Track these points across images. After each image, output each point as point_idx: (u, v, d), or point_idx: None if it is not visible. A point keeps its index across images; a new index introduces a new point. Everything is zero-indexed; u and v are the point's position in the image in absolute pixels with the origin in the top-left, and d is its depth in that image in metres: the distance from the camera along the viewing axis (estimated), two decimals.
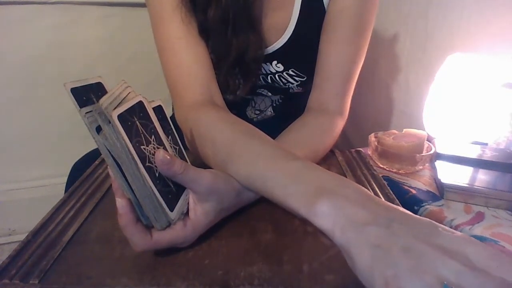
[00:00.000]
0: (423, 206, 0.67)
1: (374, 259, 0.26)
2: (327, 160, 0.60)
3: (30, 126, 1.33)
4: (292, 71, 0.63)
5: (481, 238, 0.57)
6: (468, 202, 0.67)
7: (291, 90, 0.67)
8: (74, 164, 0.68)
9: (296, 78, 0.63)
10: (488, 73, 0.88)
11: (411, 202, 0.68)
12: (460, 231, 0.59)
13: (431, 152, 0.78)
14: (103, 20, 1.30)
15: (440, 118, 0.97)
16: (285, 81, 0.64)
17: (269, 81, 0.64)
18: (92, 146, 0.71)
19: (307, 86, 0.65)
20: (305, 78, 0.64)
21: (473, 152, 0.80)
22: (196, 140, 0.48)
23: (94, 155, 0.67)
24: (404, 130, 0.85)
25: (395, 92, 1.28)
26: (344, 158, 0.60)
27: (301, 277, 0.34)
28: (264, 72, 0.64)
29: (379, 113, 1.39)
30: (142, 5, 1.34)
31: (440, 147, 0.82)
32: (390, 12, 1.27)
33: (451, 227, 0.60)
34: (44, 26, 1.24)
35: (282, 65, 0.62)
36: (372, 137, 0.84)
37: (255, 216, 0.43)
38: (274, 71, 0.63)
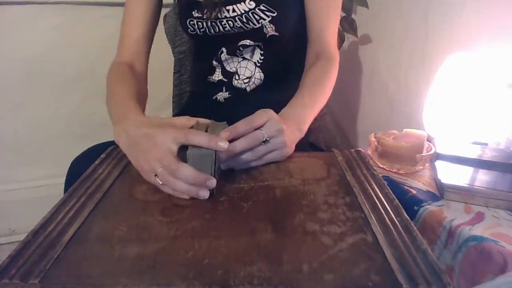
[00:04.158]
0: (423, 206, 0.67)
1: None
2: (327, 160, 0.60)
3: (30, 126, 1.33)
4: (263, 6, 0.70)
5: (481, 238, 0.57)
6: (468, 202, 0.67)
7: (265, 30, 0.72)
8: (72, 162, 0.68)
9: (267, 13, 0.71)
10: (488, 73, 0.88)
11: (411, 202, 0.68)
12: (460, 231, 0.60)
13: (431, 152, 0.78)
14: (103, 20, 1.30)
15: (440, 118, 0.97)
16: (258, 18, 0.71)
17: (244, 20, 0.71)
18: (91, 144, 0.71)
19: (278, 24, 0.72)
20: (276, 14, 0.71)
21: (473, 152, 0.80)
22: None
23: (93, 151, 0.67)
24: (404, 130, 0.85)
25: (395, 92, 1.28)
26: (344, 158, 0.60)
27: (300, 277, 0.34)
28: (239, 12, 0.71)
29: (379, 113, 1.39)
30: None
31: (440, 147, 0.82)
32: (390, 12, 1.27)
33: (451, 227, 0.61)
34: (44, 26, 1.24)
35: (254, 1, 0.70)
36: (372, 137, 0.84)
37: (255, 216, 0.43)
38: (247, 9, 0.71)
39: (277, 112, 0.58)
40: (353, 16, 1.28)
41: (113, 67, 0.74)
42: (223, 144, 0.46)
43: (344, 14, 1.26)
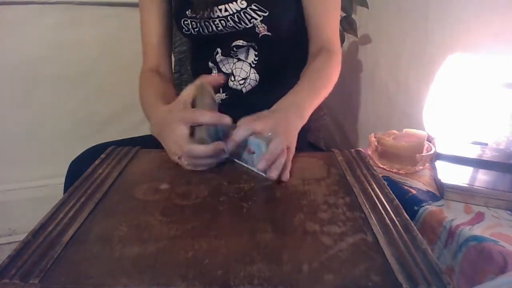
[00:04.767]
0: (423, 206, 0.67)
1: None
2: (327, 160, 0.60)
3: (30, 126, 1.33)
4: (255, 5, 0.71)
5: (481, 238, 0.57)
6: (468, 202, 0.67)
7: (257, 30, 0.73)
8: (71, 162, 0.68)
9: (259, 13, 0.71)
10: (488, 73, 0.88)
11: (411, 202, 0.68)
12: (460, 231, 0.59)
13: (431, 152, 0.78)
14: (103, 20, 1.30)
15: (440, 118, 0.97)
16: (250, 17, 0.71)
17: (236, 19, 0.72)
18: (91, 144, 0.71)
19: (270, 24, 0.72)
20: (267, 13, 0.71)
21: (473, 152, 0.80)
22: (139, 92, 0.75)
23: (93, 151, 0.68)
24: (404, 130, 0.85)
25: (395, 92, 1.28)
26: (344, 158, 0.60)
27: (300, 277, 0.34)
28: (231, 11, 0.72)
29: (379, 113, 1.39)
30: None
31: (440, 147, 0.82)
32: (390, 12, 1.27)
33: (451, 227, 0.61)
34: (44, 26, 1.24)
35: (245, 1, 0.71)
36: (372, 137, 0.84)
37: (255, 216, 0.43)
38: (239, 8, 0.71)
39: None
40: (353, 16, 1.28)
41: (141, 75, 0.78)
42: (227, 120, 0.52)
43: (344, 14, 1.26)
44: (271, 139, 0.51)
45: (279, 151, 0.50)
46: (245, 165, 0.56)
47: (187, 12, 0.74)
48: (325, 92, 0.70)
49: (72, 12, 1.25)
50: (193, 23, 0.74)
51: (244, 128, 0.53)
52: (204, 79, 0.60)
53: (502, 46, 0.87)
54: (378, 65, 1.36)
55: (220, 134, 0.56)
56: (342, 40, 1.34)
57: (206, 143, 0.53)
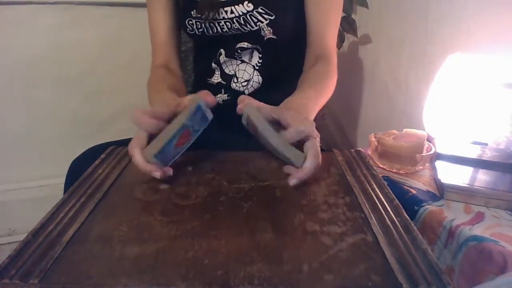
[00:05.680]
0: (423, 206, 0.67)
1: None
2: (327, 160, 0.60)
3: (30, 126, 1.33)
4: (261, 8, 0.70)
5: (481, 238, 0.57)
6: (468, 202, 0.67)
7: (262, 33, 0.72)
8: (72, 162, 0.68)
9: (265, 16, 0.71)
10: (488, 73, 0.88)
11: (411, 202, 0.68)
12: (460, 231, 0.60)
13: (431, 152, 0.78)
14: (103, 20, 1.30)
15: (440, 118, 0.97)
16: (256, 20, 0.71)
17: (242, 22, 0.72)
18: (91, 144, 0.71)
19: (276, 28, 0.72)
20: (273, 17, 0.71)
21: (473, 152, 0.80)
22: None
23: (93, 151, 0.68)
24: (404, 130, 0.86)
25: (395, 92, 1.28)
26: (344, 158, 0.60)
27: (300, 277, 0.34)
28: (237, 14, 0.71)
29: (379, 113, 1.40)
30: (142, 5, 1.33)
31: (440, 147, 0.83)
32: (390, 12, 1.27)
33: (451, 227, 0.61)
34: (44, 26, 1.24)
35: (252, 4, 0.70)
36: (372, 137, 0.84)
37: (255, 216, 0.43)
38: (245, 11, 0.71)
39: None
40: (353, 16, 1.28)
41: (151, 72, 0.79)
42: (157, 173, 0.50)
43: (344, 14, 1.26)
44: (308, 149, 0.51)
45: (315, 169, 0.50)
46: (274, 147, 0.54)
47: (192, 12, 0.74)
48: (324, 100, 0.70)
49: (72, 12, 1.25)
50: (197, 23, 0.74)
51: (296, 130, 0.52)
52: (202, 95, 0.56)
53: (502, 46, 0.87)
54: (378, 65, 1.36)
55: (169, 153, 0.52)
56: (342, 40, 1.34)
57: (148, 160, 0.50)
